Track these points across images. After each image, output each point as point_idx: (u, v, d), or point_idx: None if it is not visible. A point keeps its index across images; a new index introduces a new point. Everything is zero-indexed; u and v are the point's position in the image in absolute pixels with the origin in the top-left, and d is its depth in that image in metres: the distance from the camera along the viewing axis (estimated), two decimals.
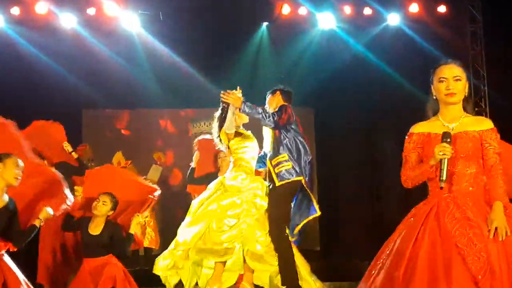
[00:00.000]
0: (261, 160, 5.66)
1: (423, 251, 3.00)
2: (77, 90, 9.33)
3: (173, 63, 9.54)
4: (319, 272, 5.52)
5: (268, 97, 5.65)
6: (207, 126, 9.51)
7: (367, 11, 9.41)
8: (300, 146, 5.41)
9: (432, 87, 3.34)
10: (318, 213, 5.39)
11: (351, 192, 10.16)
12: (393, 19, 9.51)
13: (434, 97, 3.33)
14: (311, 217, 5.42)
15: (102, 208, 5.43)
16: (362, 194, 10.22)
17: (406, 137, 3.36)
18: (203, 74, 9.61)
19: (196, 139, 6.78)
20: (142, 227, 7.84)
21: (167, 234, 8.98)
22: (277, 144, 5.40)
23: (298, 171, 5.31)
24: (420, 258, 2.99)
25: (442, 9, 9.50)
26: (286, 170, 5.34)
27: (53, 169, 5.19)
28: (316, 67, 9.67)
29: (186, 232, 5.28)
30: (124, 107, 10.09)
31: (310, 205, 5.42)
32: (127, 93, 9.75)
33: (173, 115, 10.28)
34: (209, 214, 5.27)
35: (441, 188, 3.13)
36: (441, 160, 3.08)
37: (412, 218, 3.22)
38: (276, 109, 5.40)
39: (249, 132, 5.59)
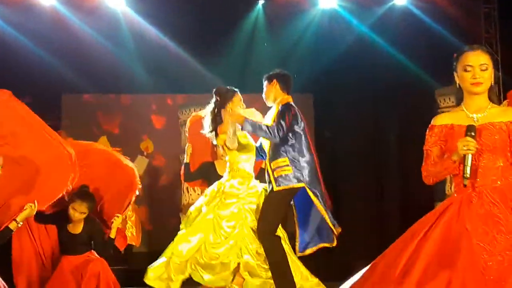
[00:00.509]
0: (258, 152, 5.69)
1: (428, 246, 3.01)
2: (56, 73, 9.27)
3: (160, 44, 9.62)
4: (321, 270, 5.62)
5: (265, 83, 5.62)
6: (196, 112, 9.43)
7: None
8: (304, 148, 5.43)
9: (455, 75, 3.32)
10: (334, 243, 5.45)
11: (353, 187, 10.10)
12: None
13: (458, 86, 3.31)
14: (325, 245, 5.50)
15: (81, 216, 5.47)
16: (364, 189, 10.21)
17: (427, 130, 3.34)
18: (193, 56, 9.69)
19: (188, 120, 6.78)
20: (122, 221, 7.71)
21: (156, 233, 9.38)
22: (277, 146, 5.39)
23: (299, 177, 5.31)
24: (423, 253, 3.00)
25: None
26: (285, 175, 5.34)
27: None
28: (316, 50, 9.82)
29: (183, 243, 5.38)
30: (107, 91, 10.04)
31: (328, 230, 5.46)
32: (111, 77, 9.71)
33: (161, 101, 10.26)
34: (206, 224, 5.37)
35: (465, 185, 3.13)
36: (464, 155, 3.08)
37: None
38: (278, 113, 5.36)
39: (245, 133, 5.60)
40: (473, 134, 3.08)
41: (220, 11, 9.39)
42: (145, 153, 8.55)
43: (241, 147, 5.56)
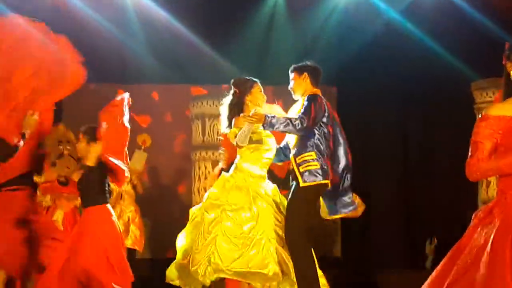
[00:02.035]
0: (282, 152, 5.61)
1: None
2: None
3: (171, 31, 9.54)
4: (338, 283, 5.73)
5: (293, 75, 5.50)
6: (209, 106, 9.55)
7: None
8: (336, 144, 5.45)
9: (508, 64, 3.29)
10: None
11: (380, 189, 9.99)
12: None
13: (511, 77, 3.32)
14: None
15: None
16: (392, 191, 10.16)
17: (479, 120, 3.24)
18: (207, 44, 9.67)
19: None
20: (124, 224, 7.98)
21: (157, 235, 9.43)
22: (303, 140, 5.29)
23: (326, 172, 5.28)
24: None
25: None
26: (312, 170, 5.27)
27: None
28: (341, 38, 9.75)
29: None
30: (112, 81, 9.97)
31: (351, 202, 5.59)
32: (117, 65, 9.79)
33: (172, 92, 10.24)
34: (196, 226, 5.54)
35: None
36: None
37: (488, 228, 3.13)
38: (304, 104, 5.31)
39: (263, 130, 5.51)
40: None
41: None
42: (143, 147, 8.36)
43: (251, 147, 5.37)
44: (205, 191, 8.47)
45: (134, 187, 8.38)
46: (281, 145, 5.61)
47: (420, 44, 9.34)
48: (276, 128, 5.20)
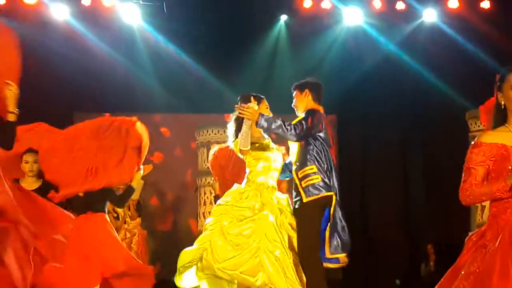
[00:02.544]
0: (287, 168, 5.63)
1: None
2: (69, 89, 9.32)
3: (177, 61, 9.70)
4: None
5: (295, 93, 5.57)
6: (214, 134, 9.76)
7: (400, 5, 9.64)
8: (329, 156, 5.44)
9: (499, 95, 3.28)
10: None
11: (379, 214, 10.11)
12: (430, 15, 9.72)
13: (502, 107, 3.27)
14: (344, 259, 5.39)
15: None
16: (391, 215, 10.15)
17: (472, 147, 3.25)
18: (212, 74, 9.76)
19: (211, 154, 6.76)
20: (128, 246, 7.85)
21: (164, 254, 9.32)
22: (303, 154, 5.33)
23: (328, 185, 5.27)
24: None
25: (485, 4, 9.65)
26: (314, 184, 5.27)
27: None
28: (341, 69, 9.87)
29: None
30: (121, 110, 9.42)
31: (347, 240, 5.40)
32: (126, 95, 9.72)
33: (177, 121, 10.30)
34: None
35: None
36: None
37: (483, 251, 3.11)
38: (303, 115, 5.39)
39: (269, 141, 5.54)
40: None
41: (240, 27, 9.47)
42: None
43: (259, 149, 5.42)
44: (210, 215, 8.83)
45: (137, 209, 8.40)
46: (286, 161, 5.63)
47: (417, 75, 9.57)
48: (267, 128, 5.23)
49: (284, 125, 5.20)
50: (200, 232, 7.60)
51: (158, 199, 9.85)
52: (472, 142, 3.29)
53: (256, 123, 5.14)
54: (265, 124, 5.15)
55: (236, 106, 5.33)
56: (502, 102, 3.26)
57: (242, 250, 5.12)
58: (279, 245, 5.17)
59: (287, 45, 10.09)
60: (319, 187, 5.26)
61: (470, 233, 3.27)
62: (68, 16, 9.18)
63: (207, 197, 9.68)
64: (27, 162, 5.70)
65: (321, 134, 5.36)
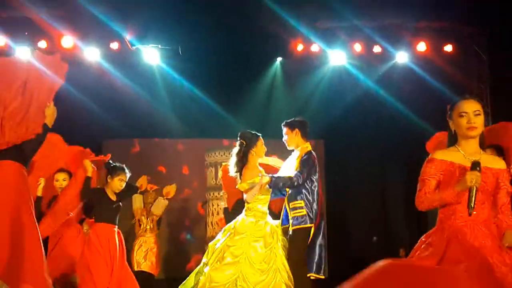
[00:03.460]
0: (282, 190, 5.76)
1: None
2: (99, 121, 9.42)
3: (190, 96, 9.75)
4: None
5: (285, 130, 5.73)
6: (221, 156, 9.73)
7: (377, 49, 9.56)
8: (316, 193, 5.62)
9: (450, 122, 3.35)
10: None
11: (361, 231, 10.02)
12: (402, 57, 9.65)
13: (453, 132, 3.33)
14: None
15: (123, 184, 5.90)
16: (373, 233, 10.03)
17: (426, 162, 3.34)
18: (219, 105, 9.76)
19: (220, 170, 6.87)
20: (145, 251, 8.03)
21: (173, 258, 9.45)
22: (297, 189, 5.58)
23: (311, 217, 5.53)
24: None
25: (448, 48, 9.61)
26: (300, 216, 5.55)
27: None
28: (328, 101, 9.81)
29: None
30: (143, 136, 10.22)
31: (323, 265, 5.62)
32: (147, 123, 9.85)
33: (189, 145, 10.39)
34: (217, 253, 5.57)
35: (470, 214, 3.17)
36: (470, 187, 3.11)
37: (428, 247, 3.23)
38: (300, 163, 5.55)
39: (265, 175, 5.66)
40: (478, 169, 3.11)
41: (243, 67, 9.55)
42: (165, 197, 8.37)
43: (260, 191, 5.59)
44: (217, 224, 8.69)
45: (158, 223, 8.30)
46: (275, 175, 5.68)
47: (392, 107, 9.60)
48: (279, 186, 5.51)
49: (291, 181, 5.47)
50: (209, 239, 7.63)
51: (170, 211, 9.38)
52: (427, 158, 3.35)
53: (269, 185, 5.44)
54: (276, 185, 5.48)
55: (255, 189, 5.42)
56: (453, 128, 3.33)
57: (266, 273, 5.37)
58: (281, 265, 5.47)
59: (282, 82, 10.08)
60: (304, 219, 5.53)
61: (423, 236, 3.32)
62: (98, 58, 9.30)
63: (215, 209, 9.70)
64: None
65: (313, 177, 5.62)
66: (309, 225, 5.52)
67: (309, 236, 5.54)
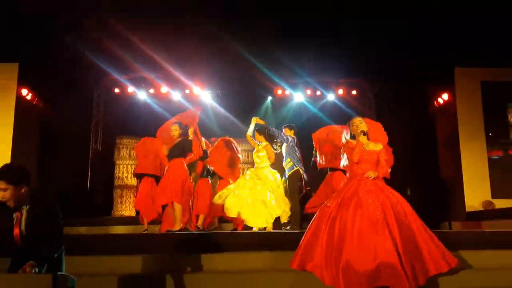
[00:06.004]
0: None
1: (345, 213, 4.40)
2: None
3: (224, 115, 13.70)
4: None
5: (284, 130, 8.20)
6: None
7: (318, 92, 14.10)
8: (297, 154, 7.77)
9: (351, 128, 5.21)
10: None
11: None
12: (331, 97, 14.10)
13: (352, 134, 5.12)
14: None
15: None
16: None
17: (345, 147, 4.83)
18: (239, 120, 13.10)
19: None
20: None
21: None
22: (285, 155, 8.13)
23: (296, 165, 7.77)
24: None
25: (354, 92, 14.01)
26: (290, 166, 7.91)
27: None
28: (294, 120, 12.22)
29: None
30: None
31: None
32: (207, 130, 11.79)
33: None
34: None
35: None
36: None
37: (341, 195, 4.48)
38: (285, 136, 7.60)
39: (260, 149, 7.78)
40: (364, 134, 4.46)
41: (251, 101, 13.27)
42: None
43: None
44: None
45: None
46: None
47: (325, 123, 11.25)
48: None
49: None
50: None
51: None
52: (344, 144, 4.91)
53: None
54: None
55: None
56: (352, 132, 5.04)
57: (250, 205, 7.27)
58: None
59: (271, 109, 13.65)
60: (291, 167, 7.63)
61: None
62: (146, 97, 12.87)
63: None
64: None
65: (291, 144, 7.82)
66: (295, 169, 7.76)
67: (299, 177, 7.55)
